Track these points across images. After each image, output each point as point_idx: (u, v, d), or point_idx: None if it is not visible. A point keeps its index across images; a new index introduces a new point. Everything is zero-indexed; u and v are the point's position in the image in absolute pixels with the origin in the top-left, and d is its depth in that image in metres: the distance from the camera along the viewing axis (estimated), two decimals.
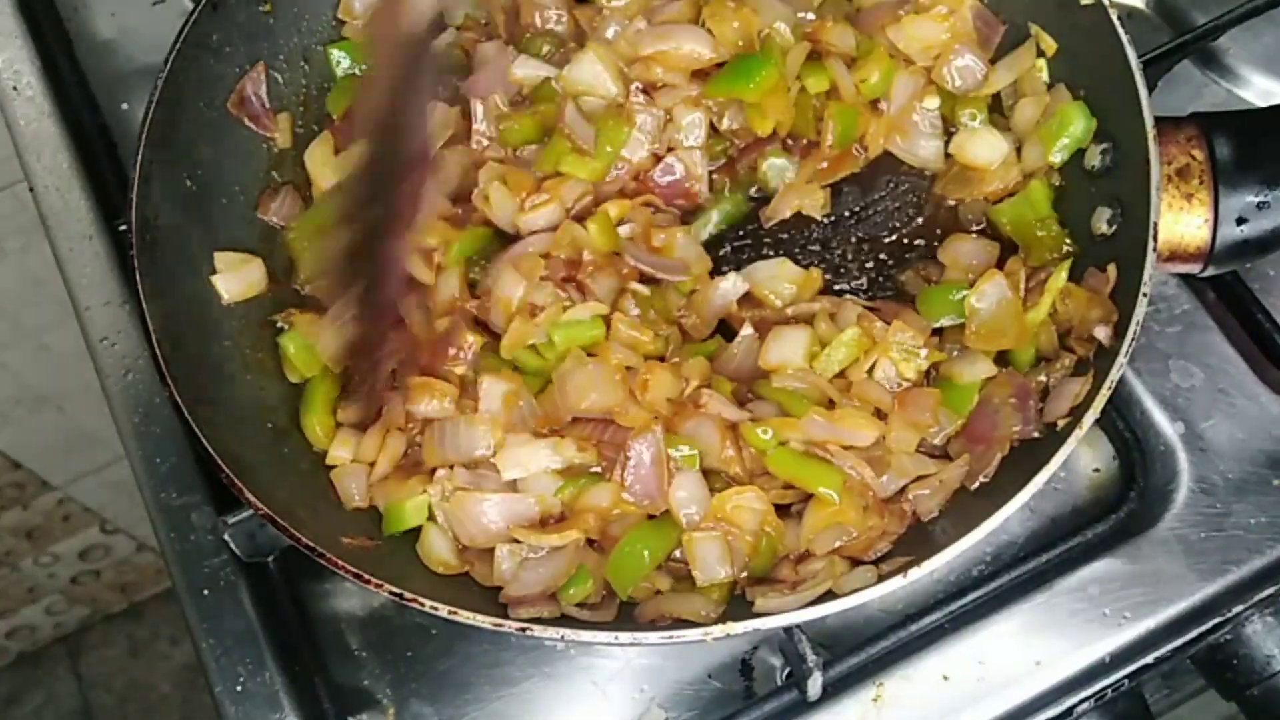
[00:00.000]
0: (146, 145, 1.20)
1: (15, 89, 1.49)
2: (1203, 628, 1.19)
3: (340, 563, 1.03)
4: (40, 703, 3.22)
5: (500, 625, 1.01)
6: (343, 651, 1.24)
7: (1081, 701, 1.18)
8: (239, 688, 1.17)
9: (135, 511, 2.89)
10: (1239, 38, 1.44)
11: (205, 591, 1.21)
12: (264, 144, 1.34)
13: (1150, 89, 1.15)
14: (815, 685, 1.13)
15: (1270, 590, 1.20)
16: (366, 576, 1.02)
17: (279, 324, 1.26)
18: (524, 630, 1.01)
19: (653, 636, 1.02)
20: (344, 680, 1.23)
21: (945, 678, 1.18)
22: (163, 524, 1.25)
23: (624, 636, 1.03)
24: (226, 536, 1.19)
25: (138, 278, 1.15)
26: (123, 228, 1.20)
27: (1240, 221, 1.15)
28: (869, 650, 1.17)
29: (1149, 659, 1.18)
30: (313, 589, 1.26)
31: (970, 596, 1.19)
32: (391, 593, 1.02)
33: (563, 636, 1.02)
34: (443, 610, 1.01)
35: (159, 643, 3.27)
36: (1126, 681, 1.19)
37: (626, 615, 1.12)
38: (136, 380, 1.31)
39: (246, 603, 1.21)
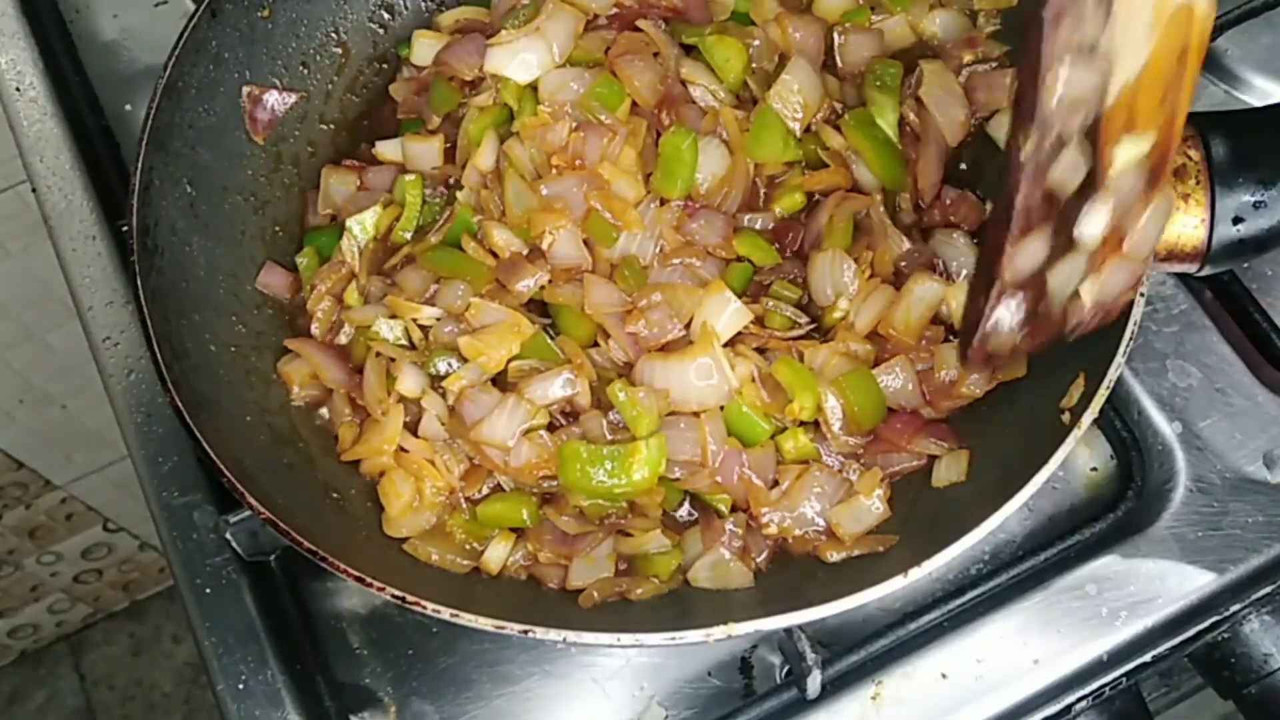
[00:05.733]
0: (146, 151, 1.21)
1: (18, 90, 1.49)
2: (1200, 626, 1.20)
3: (343, 566, 1.03)
4: (43, 701, 3.22)
5: (502, 628, 1.01)
6: (344, 649, 1.24)
7: (1079, 700, 1.19)
8: (241, 686, 1.18)
9: (138, 510, 2.90)
10: (1237, 39, 1.45)
11: (207, 590, 1.22)
12: (262, 150, 1.35)
13: None
14: (814, 683, 1.14)
15: (1267, 589, 1.20)
16: (369, 580, 1.03)
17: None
18: (526, 632, 1.01)
19: (655, 638, 1.02)
20: (345, 678, 1.23)
21: (944, 676, 1.18)
22: (165, 523, 1.25)
23: (626, 638, 1.03)
24: (228, 535, 1.20)
25: (138, 283, 1.16)
26: (125, 228, 1.20)
27: (1236, 221, 1.15)
28: (868, 648, 1.18)
29: (1147, 657, 1.19)
30: (314, 587, 1.27)
31: (968, 595, 1.20)
32: (394, 596, 1.02)
33: (565, 639, 1.02)
34: (445, 613, 1.02)
35: (161, 641, 3.28)
36: (1124, 680, 1.20)
37: (628, 616, 1.12)
38: (139, 380, 1.32)
39: (248, 601, 1.21)
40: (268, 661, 1.18)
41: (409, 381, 1.22)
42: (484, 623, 1.01)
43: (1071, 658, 1.18)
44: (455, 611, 1.02)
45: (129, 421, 1.30)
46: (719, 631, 1.01)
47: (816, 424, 1.20)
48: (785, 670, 1.20)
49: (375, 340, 1.25)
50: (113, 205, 1.42)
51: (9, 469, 2.64)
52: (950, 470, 1.16)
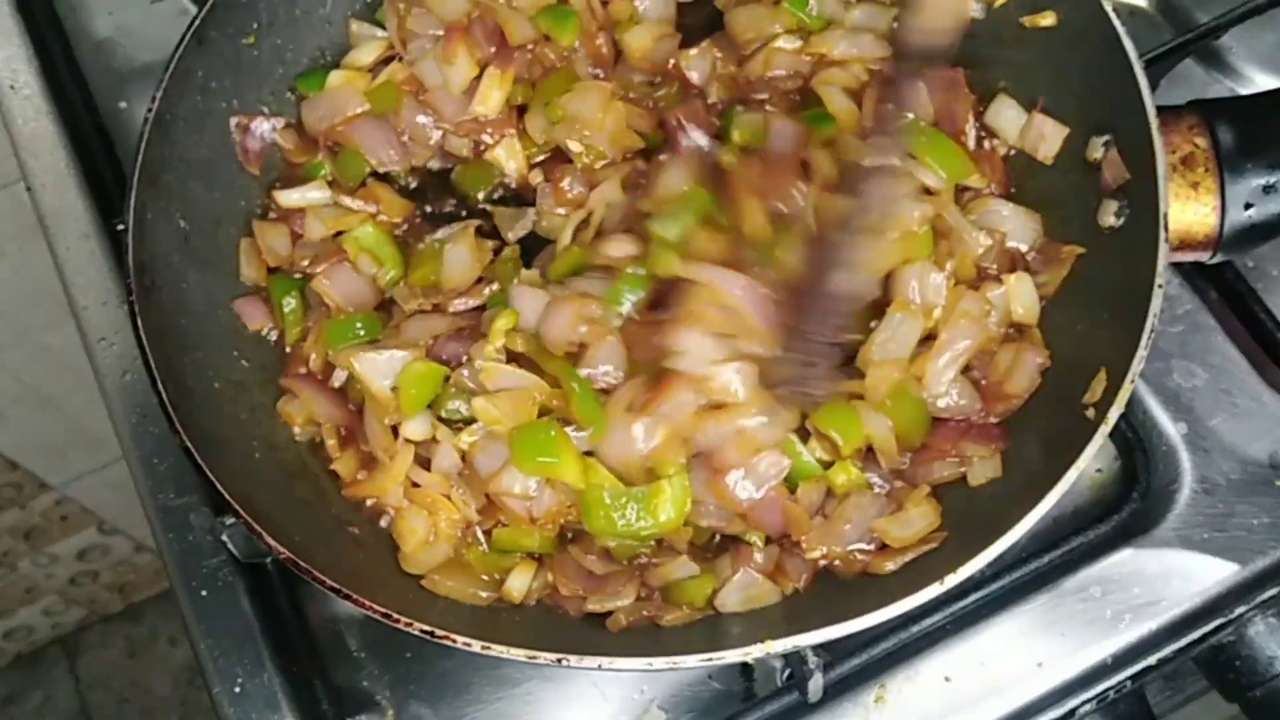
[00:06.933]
0: (139, 187, 1.19)
1: (13, 88, 1.49)
2: (1206, 629, 1.19)
3: (367, 603, 1.02)
4: (38, 704, 3.22)
5: (535, 658, 0.99)
6: (341, 652, 1.24)
7: (1084, 703, 1.18)
8: (237, 689, 1.17)
9: (133, 512, 2.88)
10: (1241, 36, 1.44)
11: (204, 592, 1.21)
12: (254, 180, 1.33)
13: (1153, 88, 1.14)
14: (816, 686, 1.13)
15: (1273, 591, 1.20)
16: (396, 616, 1.01)
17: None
18: (560, 661, 0.99)
19: (692, 660, 1.00)
20: (343, 681, 1.22)
21: (947, 679, 1.17)
22: (161, 524, 1.25)
23: (659, 662, 1.00)
24: (224, 537, 1.19)
25: (138, 323, 1.13)
26: (120, 227, 1.19)
27: (1247, 206, 1.15)
28: (870, 651, 1.17)
29: (1151, 660, 1.18)
30: (311, 590, 1.25)
31: (972, 597, 1.19)
32: (423, 631, 1.00)
33: (599, 665, 1.00)
34: (476, 645, 1.00)
35: (157, 643, 3.27)
36: (1129, 683, 1.19)
37: (660, 639, 1.11)
38: (134, 380, 1.31)
39: (245, 603, 1.20)
40: (264, 664, 1.18)
41: (414, 428, 1.18)
42: (516, 653, 0.99)
43: (1076, 660, 1.17)
44: (486, 644, 1.00)
45: (124, 422, 1.30)
46: (758, 650, 0.99)
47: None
48: (786, 673, 1.19)
49: (365, 389, 1.20)
50: (108, 204, 1.41)
51: (4, 470, 2.63)
52: (987, 467, 1.15)
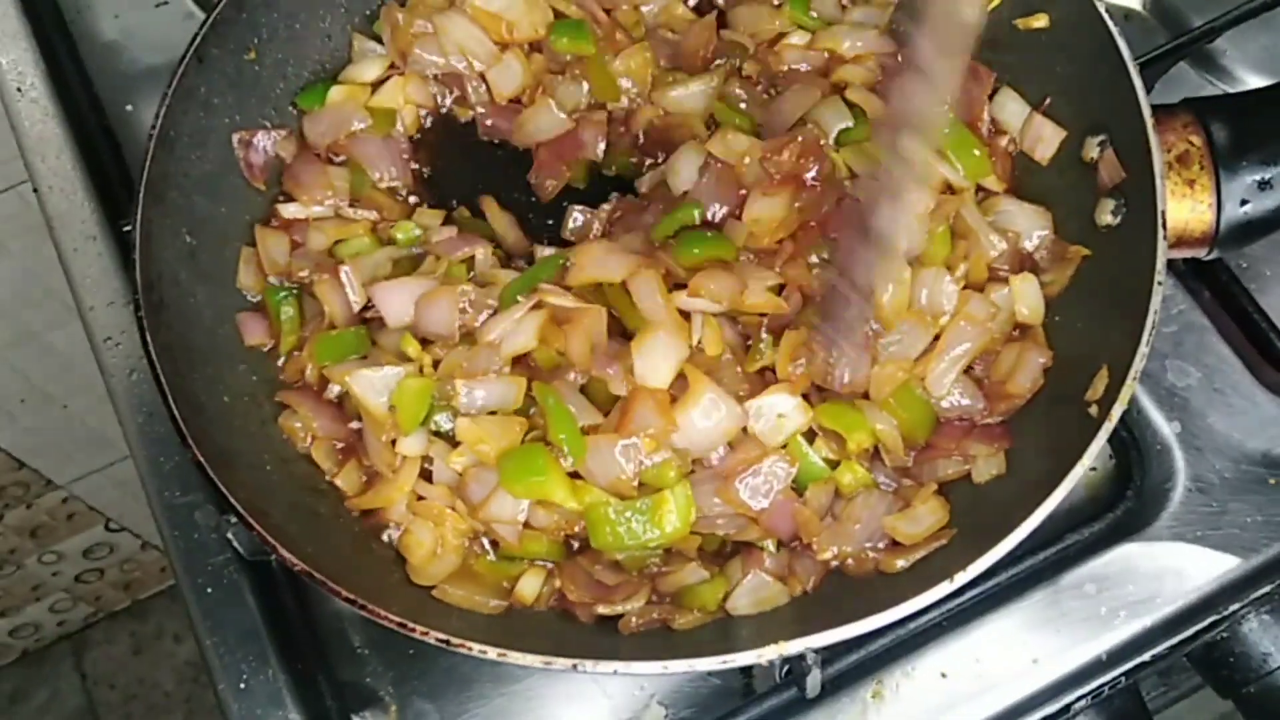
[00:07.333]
0: (144, 204, 1.19)
1: (20, 90, 1.49)
2: (1199, 626, 1.20)
3: (383, 613, 1.02)
4: (44, 700, 3.22)
5: (551, 664, 0.99)
6: (346, 649, 1.25)
7: (1079, 699, 1.19)
8: (242, 685, 1.18)
9: (139, 510, 2.89)
10: (1235, 40, 1.45)
11: (209, 589, 1.22)
12: (257, 194, 1.34)
13: (1147, 91, 1.15)
14: (814, 682, 1.13)
15: (1266, 588, 1.20)
16: (411, 625, 1.01)
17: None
18: (575, 667, 0.99)
19: (707, 662, 1.00)
20: (347, 677, 1.23)
21: (943, 675, 1.18)
22: (166, 522, 1.25)
23: (675, 665, 1.01)
24: (230, 535, 1.19)
25: (148, 340, 1.13)
26: (126, 228, 1.20)
27: (1243, 202, 1.16)
28: (867, 647, 1.18)
29: (1146, 657, 1.19)
30: (315, 587, 1.26)
31: (968, 594, 1.20)
32: (439, 640, 1.01)
33: (615, 670, 1.00)
34: (492, 653, 1.00)
35: (163, 640, 3.28)
36: (1123, 679, 1.20)
37: (672, 641, 1.11)
38: (140, 380, 1.32)
39: (250, 600, 1.21)
40: (269, 661, 1.18)
41: (411, 444, 1.17)
42: (532, 660, 1.00)
43: (1071, 657, 1.18)
44: (502, 651, 1.00)
45: (130, 421, 1.30)
46: (770, 652, 1.00)
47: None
48: (785, 669, 1.20)
49: (362, 407, 1.19)
50: (114, 206, 1.42)
51: (10, 469, 2.64)
52: (991, 465, 1.15)
